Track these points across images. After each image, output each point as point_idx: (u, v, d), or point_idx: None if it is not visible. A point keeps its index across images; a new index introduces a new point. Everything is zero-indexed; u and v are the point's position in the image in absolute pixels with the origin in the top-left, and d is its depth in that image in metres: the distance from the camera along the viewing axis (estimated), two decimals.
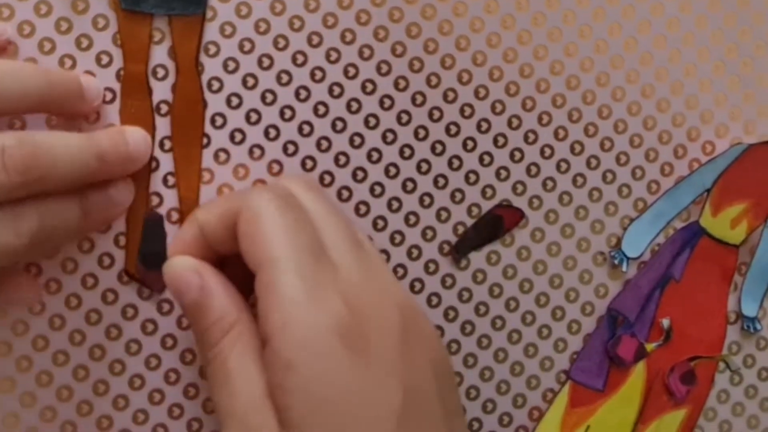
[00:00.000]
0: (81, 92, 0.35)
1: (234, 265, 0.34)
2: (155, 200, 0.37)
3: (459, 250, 0.39)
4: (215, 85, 0.37)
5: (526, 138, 0.39)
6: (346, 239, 0.33)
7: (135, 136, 0.36)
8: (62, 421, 0.37)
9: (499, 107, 0.39)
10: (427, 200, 0.39)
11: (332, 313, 0.29)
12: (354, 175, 0.38)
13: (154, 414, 0.37)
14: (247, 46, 0.37)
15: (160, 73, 0.37)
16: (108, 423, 0.37)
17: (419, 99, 0.38)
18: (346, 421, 0.29)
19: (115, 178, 0.36)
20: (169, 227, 0.37)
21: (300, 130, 0.38)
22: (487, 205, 0.39)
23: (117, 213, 0.36)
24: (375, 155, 0.38)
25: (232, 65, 0.37)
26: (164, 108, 0.37)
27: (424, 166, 0.39)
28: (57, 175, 0.32)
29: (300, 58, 0.37)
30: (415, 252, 0.39)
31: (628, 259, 0.40)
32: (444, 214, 0.39)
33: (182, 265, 0.33)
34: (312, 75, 0.37)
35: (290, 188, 0.34)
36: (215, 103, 0.37)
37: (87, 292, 0.37)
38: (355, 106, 0.38)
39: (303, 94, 0.37)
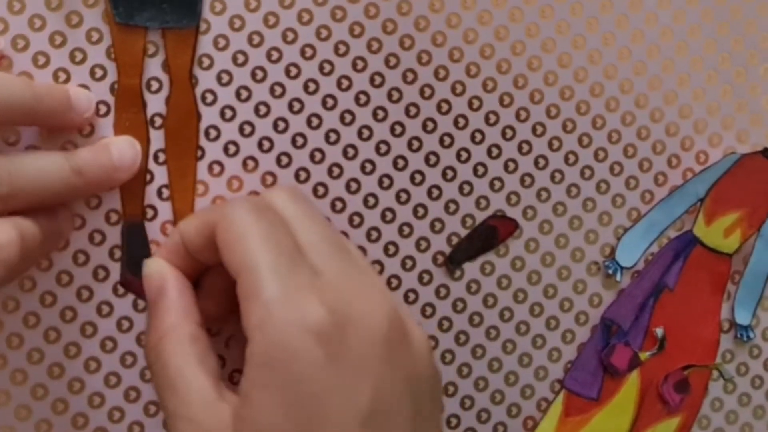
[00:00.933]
0: (69, 104, 0.35)
1: (223, 276, 0.34)
2: (150, 213, 0.37)
3: (453, 261, 0.39)
4: (209, 97, 0.37)
5: (520, 149, 0.39)
6: (329, 245, 0.33)
7: (120, 145, 0.36)
8: None
9: (492, 118, 0.39)
10: (421, 211, 0.39)
11: (309, 314, 0.30)
12: (348, 187, 0.38)
13: (150, 427, 0.37)
14: (241, 58, 0.37)
15: (154, 86, 0.37)
16: None
17: (413, 110, 0.38)
18: (311, 420, 0.29)
19: (106, 190, 0.36)
20: (163, 240, 0.37)
21: (293, 142, 0.38)
22: (481, 216, 0.39)
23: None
24: (369, 167, 0.38)
25: (225, 78, 0.37)
26: (158, 121, 0.37)
27: (418, 177, 0.39)
28: (32, 191, 0.33)
29: (293, 71, 0.37)
30: (409, 263, 0.39)
31: (622, 268, 0.40)
32: (438, 225, 0.39)
33: (149, 267, 0.35)
34: (305, 87, 0.37)
35: (271, 198, 0.34)
36: (209, 115, 0.37)
37: (82, 304, 0.37)
38: (348, 117, 0.38)
39: (296, 106, 0.38)
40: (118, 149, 0.36)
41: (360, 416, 0.29)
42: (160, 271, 0.35)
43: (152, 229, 0.37)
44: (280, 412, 0.29)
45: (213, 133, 0.37)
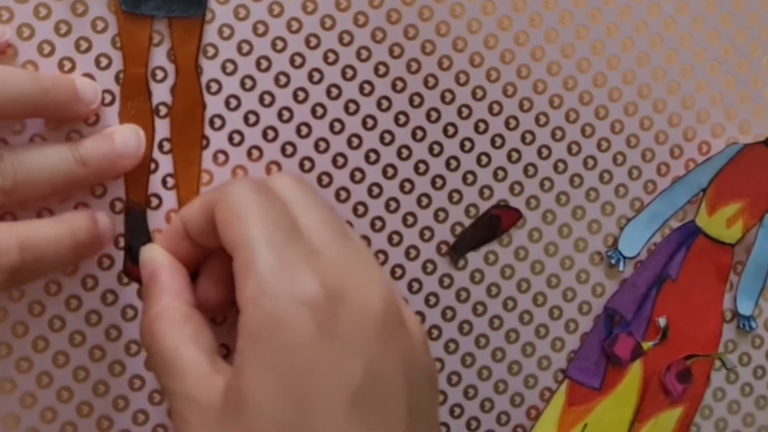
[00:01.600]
0: (76, 95, 0.35)
1: (224, 263, 0.34)
2: (155, 202, 0.37)
3: (457, 251, 0.39)
4: (214, 86, 0.37)
5: (523, 139, 0.39)
6: (329, 228, 0.33)
7: (124, 134, 0.36)
8: (62, 422, 0.37)
9: (496, 108, 0.39)
10: (425, 201, 0.39)
11: (302, 286, 0.30)
12: (352, 176, 0.38)
13: (154, 415, 0.38)
14: (246, 48, 0.37)
15: (160, 75, 0.37)
16: (108, 424, 0.37)
17: (417, 100, 0.38)
18: (301, 392, 0.29)
19: (110, 179, 0.36)
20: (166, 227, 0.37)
21: (298, 131, 0.38)
22: (484, 206, 0.39)
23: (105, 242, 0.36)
24: (373, 156, 0.38)
25: (230, 67, 0.37)
26: (163, 110, 0.37)
27: (422, 167, 0.39)
28: (37, 183, 0.33)
29: (298, 60, 0.37)
30: (413, 252, 0.39)
31: (624, 258, 0.40)
32: (442, 215, 0.39)
33: (144, 254, 0.36)
34: (310, 77, 0.38)
35: (273, 181, 0.34)
36: (214, 104, 0.37)
37: (87, 293, 0.37)
38: (353, 107, 0.38)
39: (301, 95, 0.38)
40: (121, 137, 0.36)
41: (350, 392, 0.29)
42: (153, 257, 0.35)
43: (157, 218, 0.37)
44: (269, 383, 0.29)
45: (218, 122, 0.37)
